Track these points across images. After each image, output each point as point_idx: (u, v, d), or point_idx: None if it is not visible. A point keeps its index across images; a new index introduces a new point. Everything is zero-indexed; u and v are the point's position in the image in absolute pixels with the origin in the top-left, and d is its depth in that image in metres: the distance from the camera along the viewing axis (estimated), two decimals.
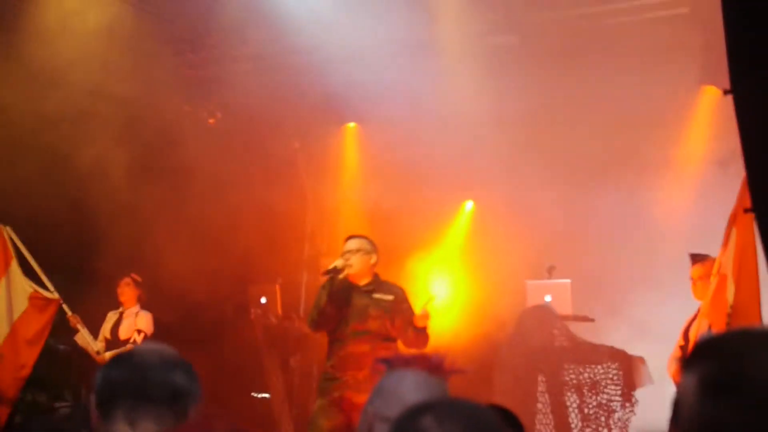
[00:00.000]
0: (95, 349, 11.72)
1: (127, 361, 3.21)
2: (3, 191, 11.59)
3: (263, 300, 13.30)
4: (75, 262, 12.13)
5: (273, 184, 13.37)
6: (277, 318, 13.13)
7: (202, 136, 13.09)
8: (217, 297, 13.10)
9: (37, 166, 11.55)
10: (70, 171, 11.80)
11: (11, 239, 11.63)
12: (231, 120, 13.48)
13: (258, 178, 13.16)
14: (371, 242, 9.36)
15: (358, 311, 9.12)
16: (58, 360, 12.48)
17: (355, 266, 9.24)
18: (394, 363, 3.28)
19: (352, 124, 14.31)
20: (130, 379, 3.14)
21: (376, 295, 9.19)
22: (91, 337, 11.77)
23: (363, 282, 9.27)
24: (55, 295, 11.66)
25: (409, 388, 3.13)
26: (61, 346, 12.45)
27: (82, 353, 12.04)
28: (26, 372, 11.22)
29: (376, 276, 9.33)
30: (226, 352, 12.14)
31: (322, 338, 11.70)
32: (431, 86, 11.87)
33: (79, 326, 11.76)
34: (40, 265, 11.61)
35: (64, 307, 11.67)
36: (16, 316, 11.54)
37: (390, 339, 9.02)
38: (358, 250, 9.21)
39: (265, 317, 13.03)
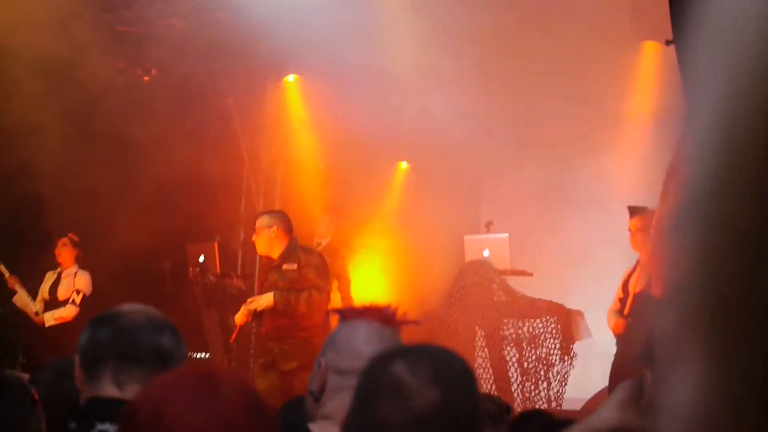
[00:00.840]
0: (33, 309, 11.77)
1: (113, 321, 3.14)
2: None
3: (201, 258, 13.14)
4: (11, 224, 12.10)
5: (208, 143, 13.40)
6: (215, 276, 13.03)
7: (137, 94, 13.09)
8: (154, 257, 13.21)
9: None
10: (3, 135, 11.70)
11: None
12: (166, 77, 13.33)
13: (194, 137, 13.16)
14: (270, 215, 9.55)
15: (271, 287, 9.34)
16: None
17: (259, 246, 9.50)
18: (346, 314, 3.26)
19: (291, 77, 14.29)
20: (118, 339, 3.09)
21: (284, 266, 9.36)
22: (30, 298, 11.81)
23: (275, 256, 9.43)
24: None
25: (362, 340, 3.11)
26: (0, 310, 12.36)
27: (21, 315, 12.08)
28: None
29: (288, 245, 9.41)
30: (164, 312, 11.40)
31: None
32: (368, 37, 11.95)
33: (17, 287, 11.81)
34: None
35: (1, 268, 11.76)
36: None
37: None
38: (258, 229, 9.39)
39: (204, 276, 12.87)
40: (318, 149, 13.99)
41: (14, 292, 11.82)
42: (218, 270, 13.33)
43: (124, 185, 12.21)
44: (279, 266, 9.33)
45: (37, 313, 11.79)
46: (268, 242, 9.37)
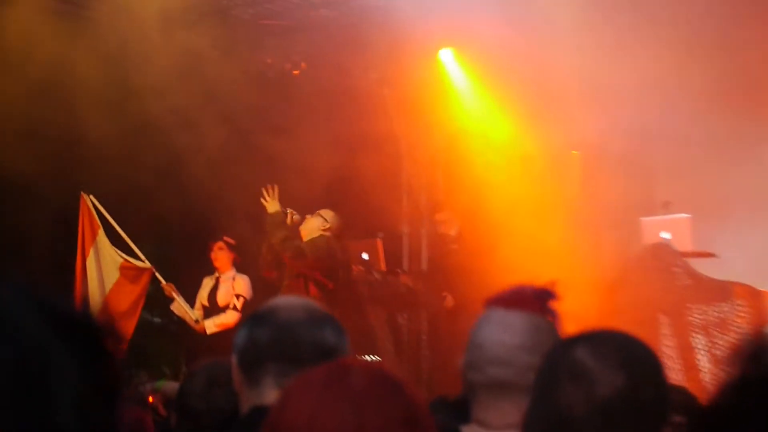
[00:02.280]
0: (193, 317, 11.45)
1: (271, 319, 3.00)
2: (86, 160, 11.44)
3: (365, 256, 12.89)
4: (164, 230, 12.05)
5: (364, 136, 12.88)
6: (380, 274, 12.82)
7: (287, 89, 12.81)
8: None
9: (120, 135, 11.29)
10: (155, 137, 11.52)
11: (96, 208, 11.54)
12: (316, 70, 13.05)
13: (348, 131, 12.73)
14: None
15: None
16: (155, 333, 12.42)
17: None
18: (492, 302, 3.05)
19: (445, 53, 13.46)
20: (279, 339, 2.95)
21: None
22: (188, 306, 11.50)
23: None
24: (147, 264, 11.59)
25: (511, 333, 2.93)
26: (157, 318, 12.43)
27: (180, 323, 11.84)
28: (123, 347, 10.50)
29: None
30: (341, 300, 11.46)
31: (430, 292, 12.11)
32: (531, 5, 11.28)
33: (175, 295, 11.54)
34: (128, 233, 11.48)
35: (157, 275, 11.53)
36: (108, 288, 11.46)
37: None
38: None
39: (368, 273, 12.69)
40: (482, 137, 13.26)
41: (171, 300, 11.57)
42: (383, 267, 13.09)
43: (281, 185, 11.46)
44: None
45: (197, 321, 11.49)
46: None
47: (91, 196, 11.51)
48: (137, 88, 11.09)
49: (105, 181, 11.57)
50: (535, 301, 2.98)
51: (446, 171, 13.60)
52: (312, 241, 10.41)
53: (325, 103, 12.77)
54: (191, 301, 11.62)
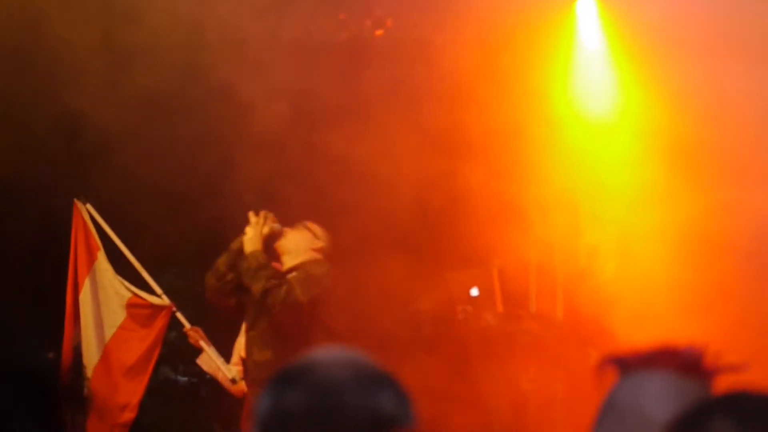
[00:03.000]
0: (229, 376, 9.38)
1: (305, 379, 2.63)
2: (82, 156, 10.46)
3: (474, 292, 11.61)
4: (188, 253, 10.72)
5: (475, 123, 11.09)
6: (496, 317, 11.56)
7: (367, 53, 11.07)
8: (402, 291, 11.17)
9: (130, 120, 10.13)
10: (179, 124, 10.50)
11: (94, 221, 9.89)
12: (407, 30, 11.29)
13: (453, 115, 11.01)
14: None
15: None
16: (177, 396, 11.20)
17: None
18: (628, 363, 2.78)
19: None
20: (314, 406, 2.58)
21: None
22: (222, 360, 9.49)
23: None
24: (166, 300, 9.80)
25: (655, 399, 2.68)
26: (181, 377, 11.37)
27: (211, 384, 10.14)
28: (129, 417, 9.49)
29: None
30: (422, 369, 10.22)
31: (566, 344, 11.21)
32: None
33: (203, 344, 9.54)
34: (138, 257, 9.88)
35: (179, 316, 9.69)
36: (109, 333, 9.90)
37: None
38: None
39: (479, 317, 11.50)
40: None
41: (199, 351, 9.65)
42: (500, 308, 11.82)
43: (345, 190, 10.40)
44: None
45: (234, 381, 9.44)
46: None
47: (88, 205, 9.83)
48: (153, 55, 9.82)
49: (107, 184, 10.22)
50: (683, 358, 2.75)
51: (594, 176, 11.66)
52: (303, 271, 8.71)
53: (417, 77, 10.98)
54: (226, 353, 9.69)
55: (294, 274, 8.84)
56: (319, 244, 9.06)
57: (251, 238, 8.82)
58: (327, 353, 2.73)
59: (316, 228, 9.10)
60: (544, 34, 11.42)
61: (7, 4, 9.99)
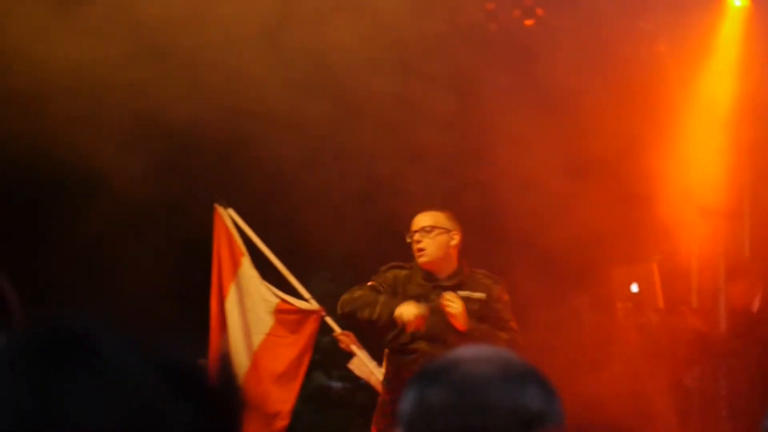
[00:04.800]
0: (382, 379, 9.07)
1: (449, 375, 2.58)
2: (222, 157, 10.22)
3: (635, 288, 11.15)
4: (337, 258, 10.50)
5: (630, 110, 10.77)
6: (658, 314, 11.10)
7: (516, 46, 10.71)
8: (563, 285, 11.15)
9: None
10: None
11: (238, 228, 9.63)
12: (559, 20, 10.83)
13: (608, 108, 10.61)
14: (450, 218, 8.43)
15: (435, 316, 8.20)
16: (332, 403, 11.00)
17: (430, 251, 8.25)
18: None
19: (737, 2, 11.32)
20: (459, 403, 2.53)
21: (463, 293, 8.30)
22: (374, 363, 9.37)
23: (444, 274, 8.32)
24: (315, 305, 9.58)
25: None
26: (335, 383, 11.15)
27: (366, 389, 9.98)
28: (282, 424, 9.27)
29: (461, 265, 8.36)
30: (582, 368, 10.41)
31: (734, 339, 10.72)
32: None
33: (354, 348, 9.44)
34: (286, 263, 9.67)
35: (329, 321, 9.46)
36: (257, 340, 9.64)
37: None
38: (432, 228, 8.25)
39: (641, 313, 11.13)
40: None
41: (351, 355, 9.52)
42: (661, 303, 11.32)
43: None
44: (452, 289, 8.26)
45: None
46: (443, 252, 8.28)
47: (231, 210, 9.57)
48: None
49: (249, 187, 10.08)
50: None
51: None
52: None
53: (572, 69, 10.48)
54: (379, 356, 9.42)
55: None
56: (454, 234, 8.54)
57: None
58: (470, 350, 2.68)
59: (437, 215, 8.51)
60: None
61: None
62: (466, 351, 2.67)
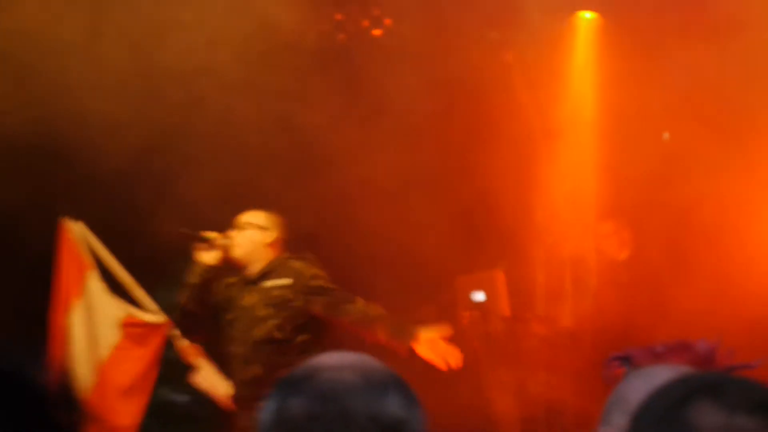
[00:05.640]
0: (226, 392, 9.06)
1: (308, 383, 2.57)
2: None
3: (480, 296, 10.94)
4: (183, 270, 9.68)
5: (477, 117, 10.90)
6: (503, 321, 11.03)
7: (364, 55, 10.83)
8: (408, 295, 10.78)
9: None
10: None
11: (86, 241, 9.48)
12: (408, 28, 10.90)
13: (454, 110, 10.85)
14: (270, 218, 8.56)
15: (243, 313, 8.37)
16: (177, 417, 10.87)
17: (240, 245, 8.42)
18: (637, 359, 2.88)
19: (587, 14, 11.66)
20: (320, 412, 2.51)
21: (268, 283, 8.36)
22: (220, 376, 9.18)
23: (253, 270, 8.40)
24: (161, 318, 9.44)
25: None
26: (179, 397, 10.93)
27: (211, 404, 9.59)
28: None
29: (274, 259, 8.46)
30: (429, 377, 9.31)
31: (579, 349, 10.89)
32: None
33: (198, 361, 9.31)
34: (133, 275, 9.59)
35: (174, 333, 9.31)
36: (105, 355, 9.48)
37: (302, 348, 8.10)
38: (247, 225, 8.41)
39: (486, 321, 10.97)
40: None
41: (194, 368, 9.39)
42: (507, 311, 11.19)
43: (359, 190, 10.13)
44: (256, 283, 8.41)
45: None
46: (255, 247, 8.45)
47: (79, 223, 9.38)
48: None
49: (96, 200, 9.81)
50: (699, 355, 2.83)
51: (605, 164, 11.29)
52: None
53: (419, 76, 10.54)
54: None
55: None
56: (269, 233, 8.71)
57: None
58: (331, 357, 2.66)
59: (257, 215, 8.69)
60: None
61: None
62: (328, 358, 2.65)
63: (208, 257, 8.31)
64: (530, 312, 11.58)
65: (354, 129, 10.15)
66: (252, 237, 8.37)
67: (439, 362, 8.04)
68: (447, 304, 11.15)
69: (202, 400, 9.96)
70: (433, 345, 8.04)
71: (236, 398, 8.70)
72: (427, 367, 9.80)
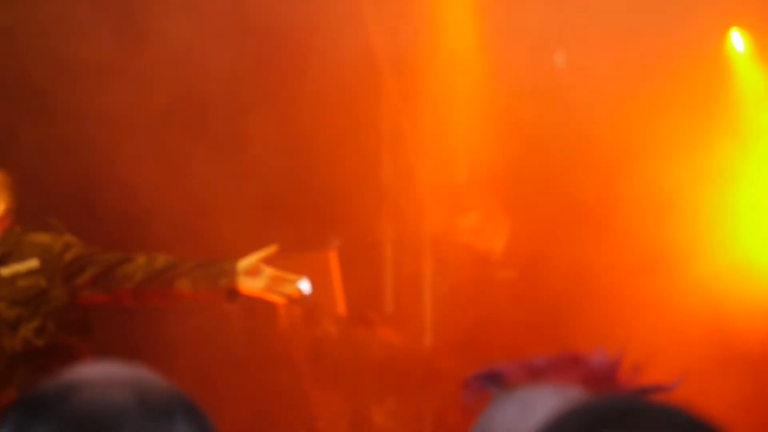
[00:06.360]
0: None
1: (62, 406, 2.02)
2: None
3: (305, 287, 8.40)
4: None
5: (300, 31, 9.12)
6: (337, 322, 9.21)
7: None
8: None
9: None
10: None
11: None
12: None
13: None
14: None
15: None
16: None
17: None
18: (508, 377, 2.37)
19: None
20: None
21: (5, 271, 7.25)
22: None
23: None
24: None
25: (533, 417, 2.31)
26: None
27: None
28: None
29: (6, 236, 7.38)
30: (236, 400, 8.91)
31: (432, 361, 9.56)
32: None
33: None
34: None
35: None
36: None
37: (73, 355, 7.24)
38: None
39: (313, 323, 9.23)
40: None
41: None
42: (342, 309, 9.44)
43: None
44: None
45: None
46: None
47: None
48: None
49: None
50: (592, 373, 2.34)
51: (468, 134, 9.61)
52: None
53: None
54: None
55: None
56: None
57: None
58: (96, 370, 2.16)
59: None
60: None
61: None
62: (89, 371, 2.14)
63: None
64: (375, 311, 9.54)
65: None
66: None
67: (275, 296, 7.07)
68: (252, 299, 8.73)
69: None
70: (259, 274, 6.93)
71: None
72: (235, 383, 8.80)
